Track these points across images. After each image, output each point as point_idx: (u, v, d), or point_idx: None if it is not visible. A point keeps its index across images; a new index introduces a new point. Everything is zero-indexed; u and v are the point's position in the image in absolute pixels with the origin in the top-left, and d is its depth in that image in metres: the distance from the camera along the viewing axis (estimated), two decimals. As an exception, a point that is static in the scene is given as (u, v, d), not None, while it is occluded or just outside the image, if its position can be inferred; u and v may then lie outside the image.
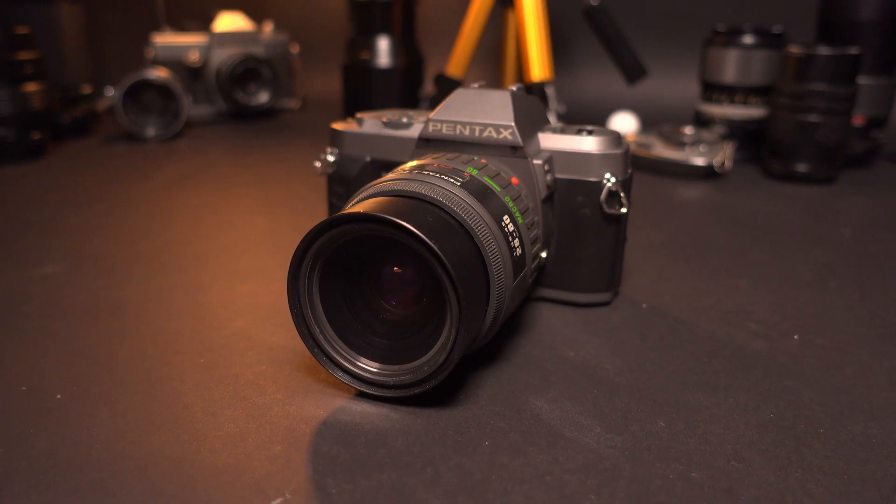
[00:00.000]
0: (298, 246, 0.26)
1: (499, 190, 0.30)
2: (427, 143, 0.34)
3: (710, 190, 0.60)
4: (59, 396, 0.27)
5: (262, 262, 0.42)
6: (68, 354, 0.30)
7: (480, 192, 0.28)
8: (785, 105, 0.60)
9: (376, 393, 0.27)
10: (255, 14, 0.97)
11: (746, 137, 0.68)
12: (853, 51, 0.58)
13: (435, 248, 0.24)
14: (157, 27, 0.89)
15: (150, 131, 0.75)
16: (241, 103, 0.85)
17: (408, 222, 0.24)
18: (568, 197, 0.35)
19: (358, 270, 0.28)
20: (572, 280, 0.36)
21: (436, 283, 0.26)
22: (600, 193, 0.34)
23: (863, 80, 0.61)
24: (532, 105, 0.36)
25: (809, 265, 0.42)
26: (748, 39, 0.66)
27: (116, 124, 0.77)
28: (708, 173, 0.62)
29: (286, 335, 0.32)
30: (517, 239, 0.29)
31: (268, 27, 0.91)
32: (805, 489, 0.23)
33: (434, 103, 0.77)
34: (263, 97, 0.86)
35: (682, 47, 0.86)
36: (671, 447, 0.25)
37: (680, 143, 0.64)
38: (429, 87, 0.77)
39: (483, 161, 0.32)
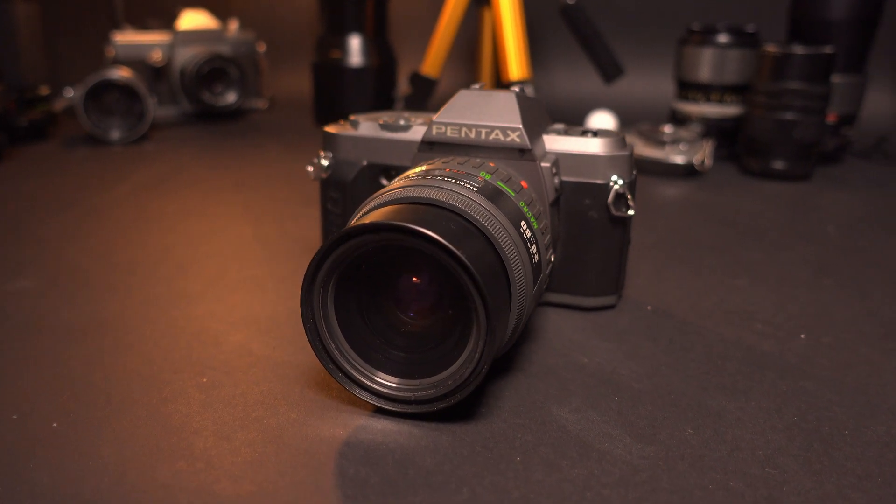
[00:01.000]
0: (314, 258, 0.25)
1: (513, 195, 0.29)
2: (430, 147, 0.33)
3: (692, 188, 0.60)
4: (55, 425, 0.25)
5: (252, 271, 0.40)
6: (57, 377, 0.28)
7: (496, 198, 0.27)
8: (762, 103, 0.61)
9: (396, 409, 0.26)
10: (220, 12, 0.94)
11: (722, 135, 0.69)
12: (828, 50, 0.59)
13: (463, 258, 0.23)
14: (116, 25, 0.86)
15: (115, 134, 0.72)
16: (207, 104, 0.82)
17: (433, 231, 0.23)
18: (574, 200, 0.34)
19: (374, 282, 0.26)
20: (578, 284, 0.35)
21: (457, 292, 0.25)
22: (607, 196, 0.34)
23: (834, 79, 0.63)
24: (535, 106, 0.35)
25: (801, 263, 0.43)
26: (723, 38, 0.67)
27: (77, 127, 0.74)
28: (688, 171, 0.63)
29: (290, 349, 0.31)
30: (534, 245, 0.28)
31: (233, 25, 0.88)
32: (843, 494, 0.22)
33: (409, 103, 0.76)
34: (231, 97, 0.84)
35: (656, 46, 0.87)
36: (704, 455, 0.24)
37: (660, 142, 0.64)
38: (404, 87, 0.76)
39: (492, 165, 0.31)
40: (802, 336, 0.33)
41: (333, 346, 0.26)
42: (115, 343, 0.31)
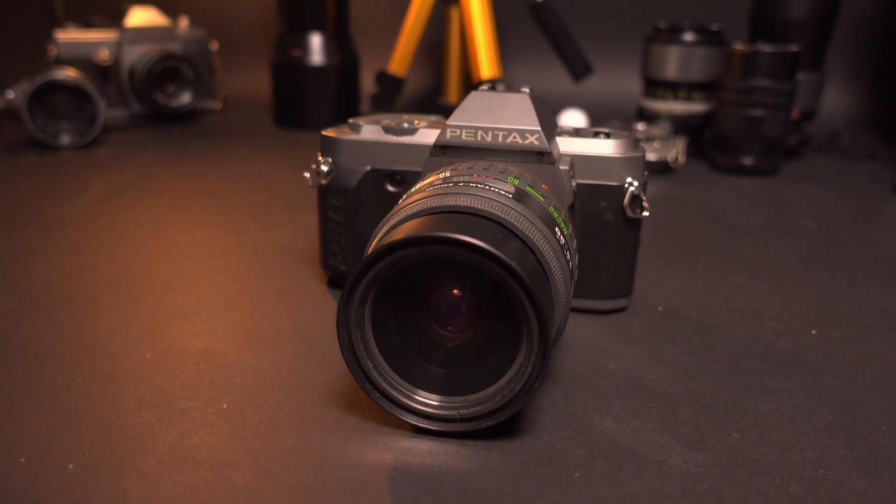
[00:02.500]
0: (353, 274, 0.23)
1: (542, 200, 0.28)
2: (443, 151, 0.32)
3: (667, 185, 0.61)
4: (70, 467, 0.23)
5: (243, 283, 0.38)
6: (59, 411, 0.26)
7: (530, 204, 0.27)
8: (731, 100, 0.63)
9: (441, 429, 0.24)
10: (168, 9, 0.89)
11: (689, 132, 0.70)
12: (794, 48, 0.60)
13: (518, 271, 0.22)
14: (56, 23, 0.80)
15: (65, 139, 0.67)
16: (160, 105, 0.78)
17: (484, 242, 0.22)
18: (590, 202, 0.34)
19: (412, 296, 0.25)
20: (593, 288, 0.35)
21: (503, 304, 0.24)
22: (623, 197, 0.33)
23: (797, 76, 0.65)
24: (545, 108, 0.34)
25: (791, 258, 0.44)
26: (689, 37, 0.68)
27: (19, 131, 0.69)
28: (662, 168, 0.63)
29: (306, 368, 0.29)
30: (567, 251, 0.27)
31: (183, 22, 0.84)
32: (898, 492, 0.23)
33: (376, 102, 0.74)
34: (185, 98, 0.80)
35: (622, 44, 0.88)
36: (756, 460, 0.24)
37: (633, 140, 0.64)
38: (370, 86, 0.74)
39: (512, 169, 0.30)
40: (813, 332, 0.34)
41: (371, 365, 0.25)
42: (114, 369, 0.29)
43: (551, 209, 0.28)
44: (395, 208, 0.27)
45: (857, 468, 0.24)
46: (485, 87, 0.33)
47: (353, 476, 0.23)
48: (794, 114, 0.67)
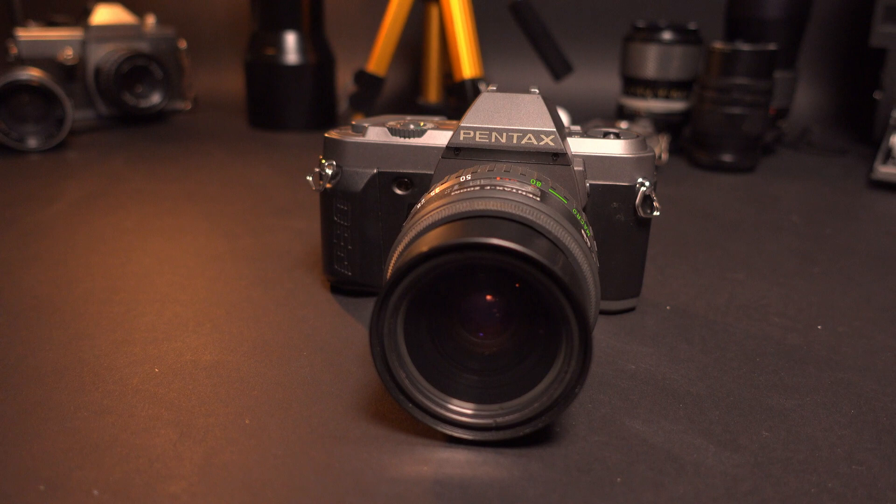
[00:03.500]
0: (388, 281, 0.23)
1: (565, 202, 0.28)
2: (456, 153, 0.32)
3: (652, 182, 0.61)
4: (96, 493, 0.21)
5: (244, 292, 0.37)
6: (72, 433, 0.24)
7: (557, 207, 0.26)
8: (711, 98, 0.63)
9: (478, 438, 0.24)
10: (133, 6, 0.87)
11: (668, 130, 0.71)
12: (771, 46, 0.62)
13: (561, 276, 0.21)
14: (15, 21, 0.77)
15: (32, 142, 0.64)
16: (129, 106, 0.76)
17: (525, 247, 0.22)
18: (602, 203, 0.33)
19: (444, 302, 0.24)
20: (604, 288, 0.35)
21: (540, 309, 0.24)
22: (635, 198, 0.33)
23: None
24: (554, 108, 0.34)
25: (785, 253, 0.45)
26: (667, 35, 0.69)
27: (-19, 135, 0.65)
28: (646, 166, 0.64)
29: (325, 379, 0.28)
30: (594, 254, 0.27)
31: (150, 20, 0.81)
32: (931, 485, 0.23)
33: (355, 101, 0.73)
34: (155, 98, 0.77)
35: (598, 43, 0.88)
36: (790, 458, 0.24)
37: (616, 138, 0.65)
38: (349, 85, 0.73)
39: (532, 171, 0.30)
40: (819, 327, 0.35)
41: (403, 375, 0.24)
42: (122, 387, 0.27)
43: (574, 211, 0.28)
44: (419, 213, 0.26)
45: (887, 462, 0.24)
46: (493, 87, 0.33)
47: (396, 491, 0.22)
48: (771, 111, 0.68)
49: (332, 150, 0.35)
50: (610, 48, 0.85)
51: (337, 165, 0.35)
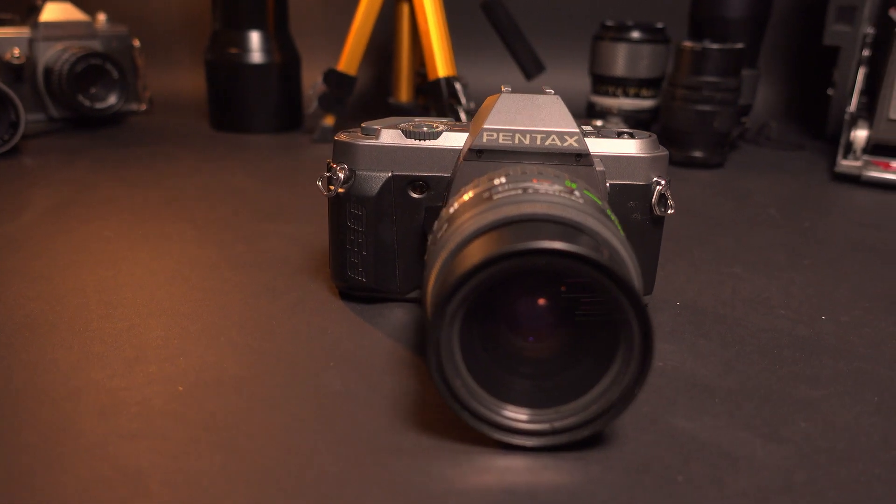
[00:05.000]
0: (445, 290, 0.22)
1: (600, 203, 0.28)
2: (479, 155, 0.31)
3: (629, 179, 0.62)
4: (153, 524, 0.20)
5: (251, 301, 0.35)
6: (110, 462, 0.23)
7: (596, 208, 0.26)
8: (682, 96, 0.65)
9: (537, 444, 0.24)
10: (83, 4, 0.82)
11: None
12: (739, 45, 0.64)
13: (626, 278, 0.21)
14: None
15: (-16, 148, 0.60)
16: (84, 107, 0.72)
17: (587, 251, 0.21)
18: (619, 202, 0.34)
19: (498, 308, 0.24)
20: (620, 286, 0.35)
21: (598, 311, 0.24)
22: (651, 196, 0.34)
23: (737, 72, 0.68)
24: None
25: (773, 247, 0.46)
26: (635, 34, 0.70)
27: (-76, 140, 0.61)
28: (621, 163, 0.65)
29: (359, 391, 0.28)
30: (633, 255, 0.27)
31: (101, 17, 0.77)
32: (966, 466, 0.24)
33: (325, 102, 0.72)
34: (111, 100, 0.74)
35: (565, 42, 0.89)
36: (832, 447, 0.25)
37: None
38: (318, 85, 0.71)
39: (563, 174, 0.30)
40: (823, 318, 0.36)
41: (459, 383, 0.23)
42: (146, 409, 0.26)
43: (608, 212, 0.28)
44: (458, 219, 0.26)
45: (922, 447, 0.25)
46: (508, 88, 0.33)
47: (469, 503, 0.21)
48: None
49: (344, 153, 0.34)
50: (577, 47, 0.86)
51: (349, 169, 0.34)
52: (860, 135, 0.63)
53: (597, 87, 0.73)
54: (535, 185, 0.26)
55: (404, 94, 0.75)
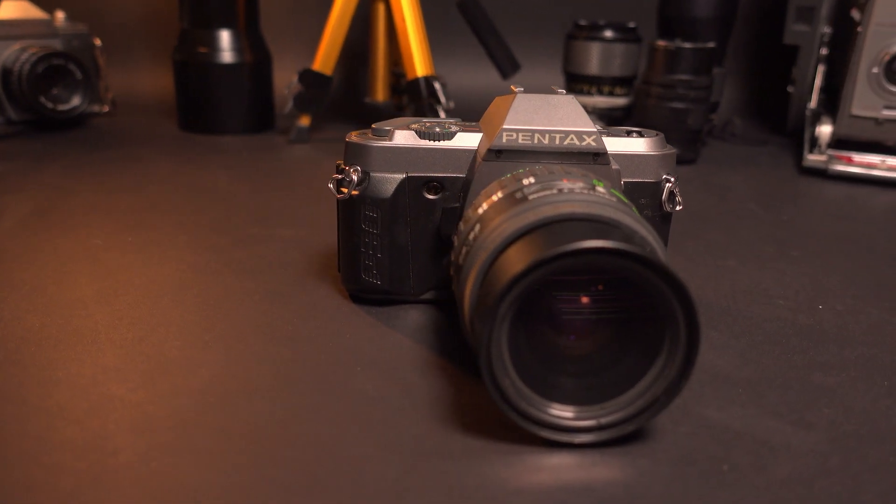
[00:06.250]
0: (497, 292, 0.22)
1: (626, 201, 0.28)
2: (498, 155, 0.31)
3: (609, 176, 0.64)
4: (218, 540, 0.19)
5: (262, 307, 0.35)
6: (163, 478, 0.22)
7: (628, 207, 0.27)
8: (657, 94, 0.67)
9: (585, 440, 0.24)
10: (39, 1, 0.79)
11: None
12: (711, 45, 0.66)
13: (675, 275, 0.22)
14: None
15: (-55, 153, 0.57)
16: (47, 109, 0.69)
17: (636, 249, 0.22)
18: (632, 200, 0.34)
19: (542, 307, 0.24)
20: (631, 282, 0.36)
21: (638, 308, 0.24)
22: (661, 194, 0.34)
23: (706, 70, 0.70)
24: (580, 108, 0.34)
25: (760, 240, 0.48)
26: (608, 33, 0.71)
27: None
28: (600, 160, 0.66)
29: (392, 395, 0.27)
30: (665, 252, 0.28)
31: (59, 15, 0.74)
32: (980, 444, 0.26)
33: (300, 102, 0.71)
34: (75, 101, 0.71)
35: (535, 40, 0.90)
36: (857, 431, 0.26)
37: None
38: (294, 85, 0.70)
39: (589, 174, 0.30)
40: (820, 307, 0.37)
41: (508, 383, 0.24)
42: (179, 422, 0.25)
43: (634, 210, 0.28)
44: (493, 221, 0.26)
45: (938, 427, 0.27)
46: (521, 89, 0.33)
47: (530, 502, 0.22)
48: (705, 105, 0.73)
49: (357, 154, 0.34)
50: (549, 46, 0.87)
51: (363, 171, 0.33)
52: (825, 130, 0.66)
53: (571, 85, 0.74)
54: (567, 184, 0.27)
55: (380, 93, 0.75)
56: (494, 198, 0.28)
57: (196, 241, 0.43)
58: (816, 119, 0.68)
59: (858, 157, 0.65)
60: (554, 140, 0.31)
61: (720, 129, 0.82)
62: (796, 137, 0.79)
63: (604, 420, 0.24)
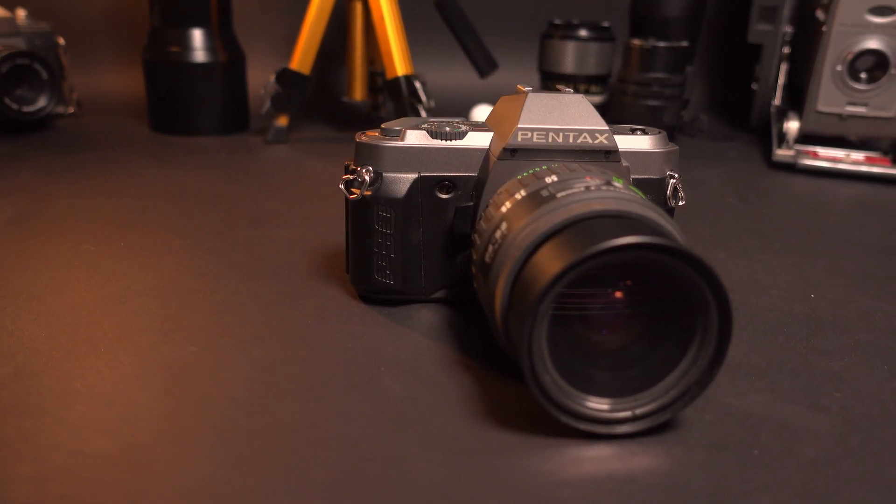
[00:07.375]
0: (538, 290, 0.22)
1: (643, 197, 0.29)
2: (513, 154, 0.32)
3: (590, 173, 0.65)
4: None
5: (273, 311, 0.34)
6: (217, 485, 0.22)
7: (650, 203, 0.27)
8: (632, 92, 0.68)
9: (624, 431, 0.25)
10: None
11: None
12: (684, 44, 0.67)
13: (711, 268, 0.23)
14: None
15: None
16: (12, 111, 0.66)
17: (670, 243, 0.23)
18: (637, 196, 0.35)
19: (576, 303, 0.25)
20: (636, 276, 0.37)
21: (663, 299, 0.25)
22: (666, 190, 0.35)
23: (678, 69, 0.72)
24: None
25: (744, 233, 0.49)
26: (583, 33, 0.73)
27: None
28: (580, 158, 0.67)
29: (420, 395, 0.28)
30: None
31: (21, 13, 0.72)
32: (981, 420, 0.27)
33: (278, 102, 0.70)
34: (41, 102, 0.68)
35: (509, 39, 0.91)
36: (868, 413, 0.27)
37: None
38: (271, 85, 0.69)
39: (607, 171, 0.30)
40: (812, 296, 0.39)
41: (548, 378, 0.24)
42: (218, 432, 0.25)
43: (655, 205, 0.29)
44: (524, 219, 0.26)
45: (940, 406, 0.28)
46: (529, 88, 0.33)
47: (579, 496, 0.22)
48: (677, 102, 0.75)
49: (368, 155, 0.34)
50: (524, 45, 0.88)
51: (375, 171, 0.33)
52: (792, 126, 0.68)
53: (546, 83, 0.75)
54: (590, 181, 0.27)
55: (358, 92, 0.74)
56: (518, 196, 0.28)
57: (191, 244, 0.43)
58: (782, 115, 0.71)
59: (824, 151, 0.68)
60: (568, 138, 0.32)
61: (689, 125, 0.84)
62: (761, 133, 0.82)
63: (639, 410, 0.25)
